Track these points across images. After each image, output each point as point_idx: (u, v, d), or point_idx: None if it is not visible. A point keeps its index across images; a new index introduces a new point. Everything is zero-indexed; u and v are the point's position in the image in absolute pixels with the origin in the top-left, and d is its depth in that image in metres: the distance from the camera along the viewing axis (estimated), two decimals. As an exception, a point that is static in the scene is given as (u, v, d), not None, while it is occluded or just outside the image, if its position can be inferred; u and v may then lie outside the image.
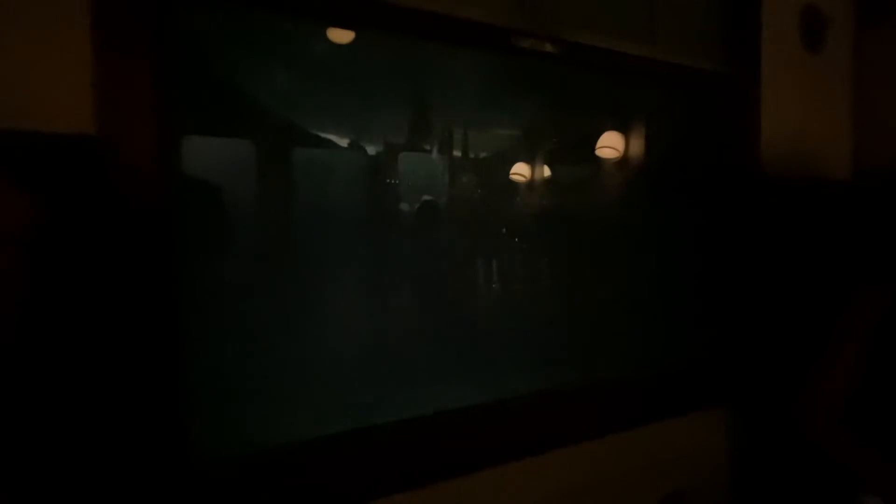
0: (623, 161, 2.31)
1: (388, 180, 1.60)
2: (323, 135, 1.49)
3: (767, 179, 1.79)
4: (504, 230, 1.89)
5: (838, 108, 2.03)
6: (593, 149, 2.33)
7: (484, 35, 1.35)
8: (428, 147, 1.82)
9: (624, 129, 2.31)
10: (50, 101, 0.89)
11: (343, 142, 1.53)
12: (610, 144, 2.32)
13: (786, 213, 1.79)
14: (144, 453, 0.94)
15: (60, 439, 0.85)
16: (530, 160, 2.50)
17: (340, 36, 1.34)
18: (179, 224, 1.02)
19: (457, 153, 1.96)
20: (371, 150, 1.59)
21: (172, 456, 0.98)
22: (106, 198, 0.90)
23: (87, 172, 0.88)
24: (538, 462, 1.39)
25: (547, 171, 2.53)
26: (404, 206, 1.63)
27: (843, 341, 1.27)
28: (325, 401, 1.32)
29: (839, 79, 2.02)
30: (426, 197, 1.65)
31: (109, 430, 0.90)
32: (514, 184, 2.31)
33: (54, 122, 0.88)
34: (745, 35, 1.79)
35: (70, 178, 0.86)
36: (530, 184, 2.50)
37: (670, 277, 1.91)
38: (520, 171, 2.43)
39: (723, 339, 1.79)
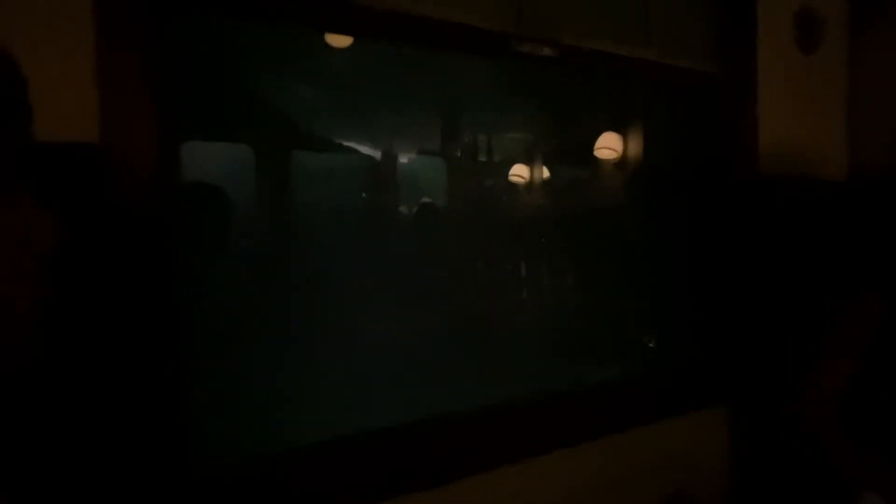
0: (621, 162, 2.33)
1: (384, 183, 1.60)
2: (320, 138, 1.49)
3: (764, 180, 1.80)
4: (499, 233, 1.90)
5: (833, 108, 2.04)
6: (591, 151, 2.34)
7: (482, 40, 1.36)
8: (425, 150, 1.83)
9: (621, 131, 2.32)
10: (51, 109, 0.89)
11: (342, 146, 1.54)
12: (607, 146, 2.34)
13: (782, 213, 1.80)
14: (145, 457, 0.95)
15: (65, 442, 0.86)
16: (527, 162, 2.51)
17: (340, 41, 1.34)
18: (179, 231, 1.02)
19: (454, 155, 1.96)
20: (371, 153, 1.60)
21: (173, 460, 0.98)
22: (107, 207, 0.90)
23: (89, 182, 0.88)
24: (538, 464, 1.40)
25: (544, 173, 2.54)
26: (402, 209, 1.64)
27: (841, 341, 1.27)
28: (324, 405, 1.33)
29: (834, 79, 2.03)
30: (425, 199, 1.65)
31: (114, 433, 0.91)
32: (511, 185, 2.32)
33: (56, 131, 0.87)
34: (740, 36, 1.80)
35: (74, 188, 0.86)
36: (528, 186, 2.51)
37: (668, 277, 1.92)
38: (517, 172, 2.44)
39: (722, 338, 1.80)
